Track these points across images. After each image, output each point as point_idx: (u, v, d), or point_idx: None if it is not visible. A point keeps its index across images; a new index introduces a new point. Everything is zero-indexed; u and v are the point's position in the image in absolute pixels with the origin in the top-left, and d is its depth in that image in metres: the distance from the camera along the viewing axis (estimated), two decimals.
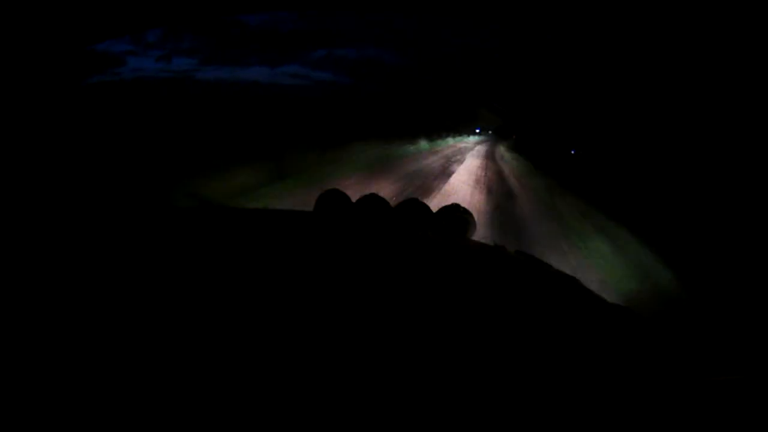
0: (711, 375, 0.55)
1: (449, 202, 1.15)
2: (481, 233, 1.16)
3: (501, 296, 0.70)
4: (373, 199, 1.11)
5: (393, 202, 1.11)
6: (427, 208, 1.12)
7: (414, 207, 1.12)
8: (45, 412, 0.40)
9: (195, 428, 0.40)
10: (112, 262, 0.64)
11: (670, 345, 0.66)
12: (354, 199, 1.11)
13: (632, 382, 0.52)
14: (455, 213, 1.13)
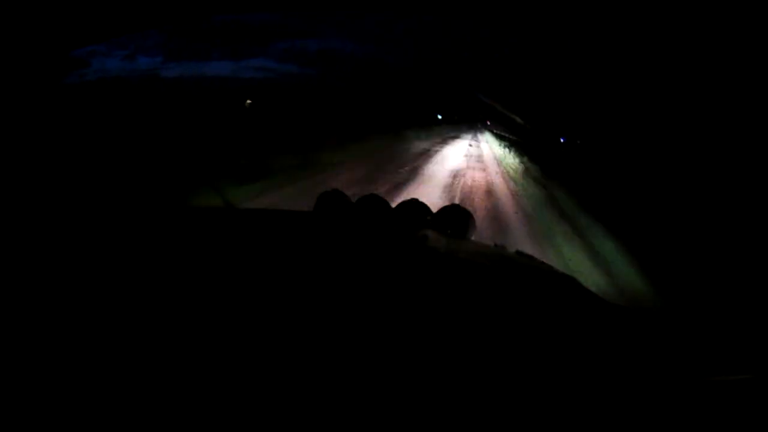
0: (711, 375, 0.55)
1: (422, 198, 1.15)
2: (479, 233, 1.16)
3: (501, 296, 0.70)
4: (373, 199, 1.11)
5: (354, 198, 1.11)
6: (427, 208, 1.12)
7: (414, 207, 1.12)
8: (45, 410, 0.40)
9: (195, 428, 0.40)
10: (108, 262, 0.64)
11: (670, 345, 0.66)
12: (353, 200, 1.12)
13: (632, 382, 0.52)
14: (455, 213, 1.13)
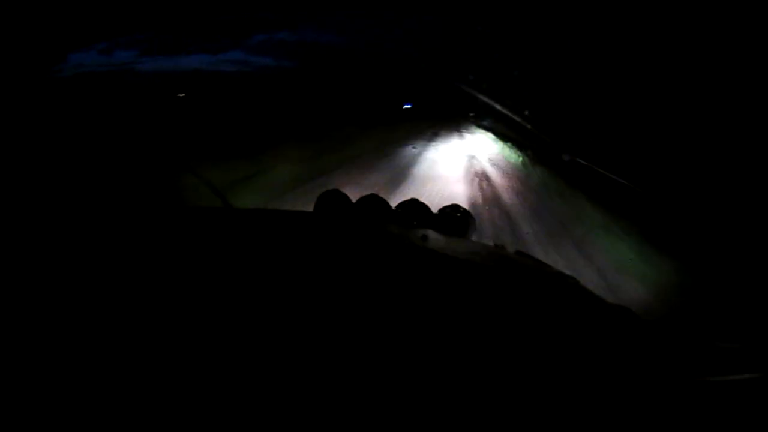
0: (711, 375, 0.55)
1: (420, 195, 1.14)
2: (481, 233, 1.16)
3: (501, 297, 0.70)
4: (374, 199, 1.11)
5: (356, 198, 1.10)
6: (427, 208, 1.12)
7: (414, 207, 1.12)
8: (45, 412, 0.40)
9: (195, 428, 0.40)
10: (103, 264, 0.64)
11: (670, 345, 0.66)
12: (354, 200, 1.12)
13: (632, 382, 0.52)
14: (455, 213, 1.13)
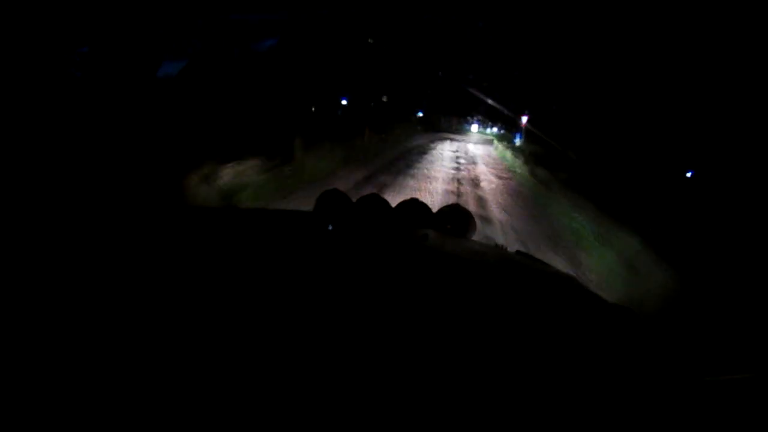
0: (711, 375, 0.55)
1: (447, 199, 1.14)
2: (481, 233, 1.16)
3: (501, 296, 0.70)
4: (373, 199, 1.11)
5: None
6: (427, 208, 1.12)
7: (414, 207, 1.12)
8: (45, 412, 0.40)
9: (195, 428, 0.40)
10: (114, 259, 0.64)
11: (670, 345, 0.66)
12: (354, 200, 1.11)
13: (632, 382, 0.52)
14: (455, 213, 1.13)
